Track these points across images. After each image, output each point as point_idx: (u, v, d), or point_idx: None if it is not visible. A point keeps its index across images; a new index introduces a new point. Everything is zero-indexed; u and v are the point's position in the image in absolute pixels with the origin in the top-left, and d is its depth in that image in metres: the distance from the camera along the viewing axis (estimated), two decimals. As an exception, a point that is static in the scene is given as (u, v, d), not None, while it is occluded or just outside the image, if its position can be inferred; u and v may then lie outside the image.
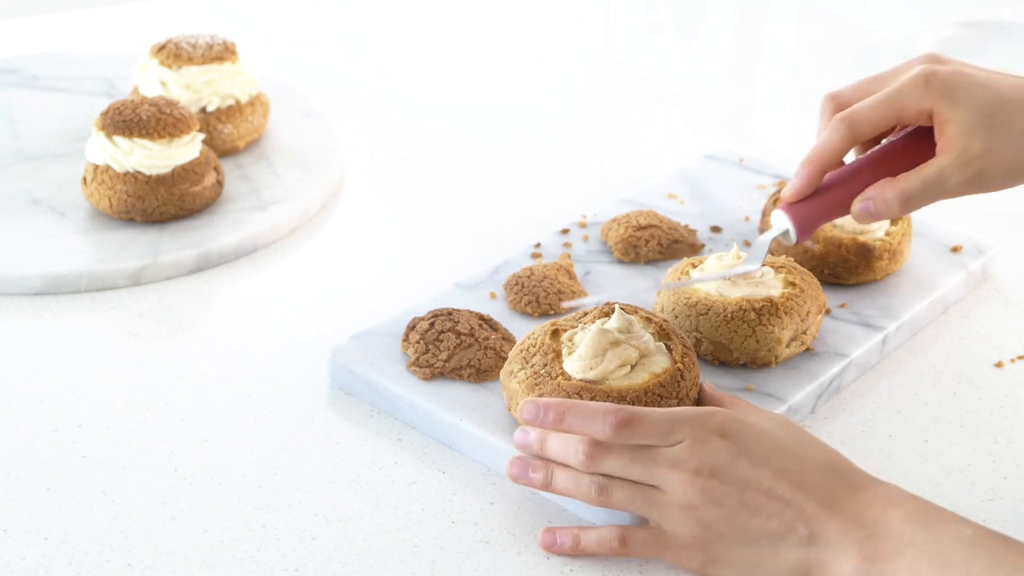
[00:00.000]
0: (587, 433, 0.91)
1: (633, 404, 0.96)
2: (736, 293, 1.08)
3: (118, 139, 1.26)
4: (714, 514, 0.88)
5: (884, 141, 1.01)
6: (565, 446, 0.92)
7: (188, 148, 1.27)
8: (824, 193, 0.99)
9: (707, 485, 0.88)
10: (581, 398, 0.95)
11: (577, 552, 0.92)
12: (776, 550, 0.87)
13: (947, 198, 0.97)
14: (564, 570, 0.91)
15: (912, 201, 0.96)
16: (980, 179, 0.96)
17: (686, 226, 1.26)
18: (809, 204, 0.99)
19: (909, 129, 1.00)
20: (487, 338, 1.07)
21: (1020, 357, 1.14)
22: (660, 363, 0.98)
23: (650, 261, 1.21)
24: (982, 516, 0.96)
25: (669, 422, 0.90)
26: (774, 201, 1.22)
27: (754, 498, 0.87)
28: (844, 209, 0.99)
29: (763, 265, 1.06)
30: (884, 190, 0.97)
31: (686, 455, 0.89)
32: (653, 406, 0.96)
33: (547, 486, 0.93)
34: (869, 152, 1.01)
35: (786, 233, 1.00)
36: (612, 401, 0.95)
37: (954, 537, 0.84)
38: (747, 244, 1.25)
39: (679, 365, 0.99)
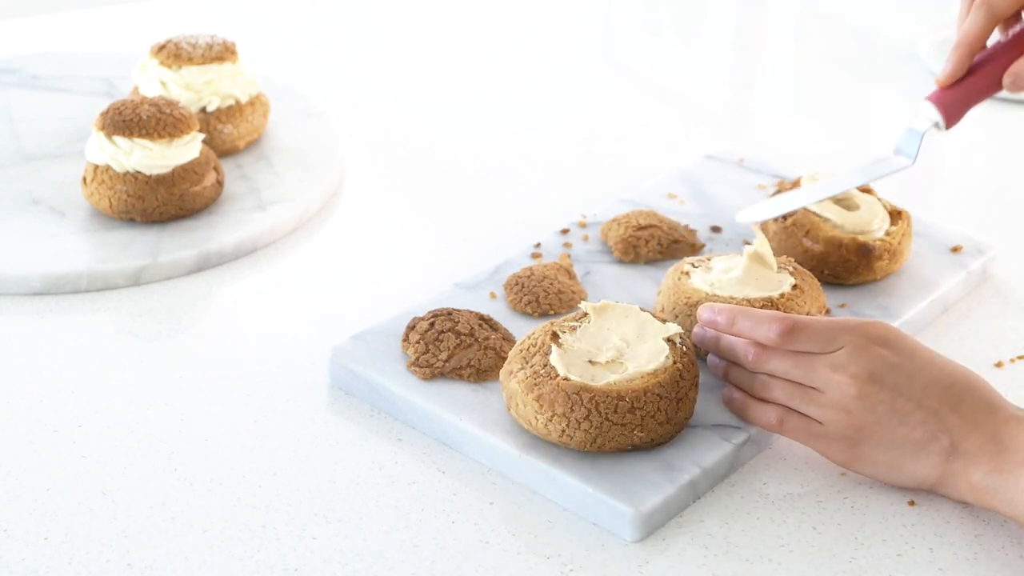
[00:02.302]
0: (756, 338, 0.99)
1: (632, 404, 0.96)
2: (742, 292, 1.08)
3: (118, 139, 1.26)
4: (867, 417, 0.95)
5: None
6: (735, 346, 1.01)
7: (188, 148, 1.27)
8: (967, 78, 1.04)
9: (864, 389, 0.95)
10: (580, 398, 0.96)
11: (743, 413, 1.00)
12: (916, 457, 0.95)
13: None
14: (564, 570, 0.91)
15: None
16: None
17: (686, 226, 1.26)
18: (953, 91, 1.04)
19: None
20: (487, 338, 1.07)
21: (1020, 357, 1.14)
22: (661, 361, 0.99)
23: (650, 261, 1.21)
24: (982, 516, 0.96)
25: (831, 331, 0.97)
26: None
27: (905, 406, 0.95)
28: (987, 90, 1.04)
29: (912, 159, 1.09)
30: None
31: (845, 360, 0.96)
32: (652, 406, 0.96)
33: (725, 376, 1.02)
34: (1010, 32, 1.05)
35: (936, 123, 1.05)
36: (611, 400, 0.96)
37: None
38: (746, 243, 1.25)
39: (679, 365, 0.99)
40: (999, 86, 1.04)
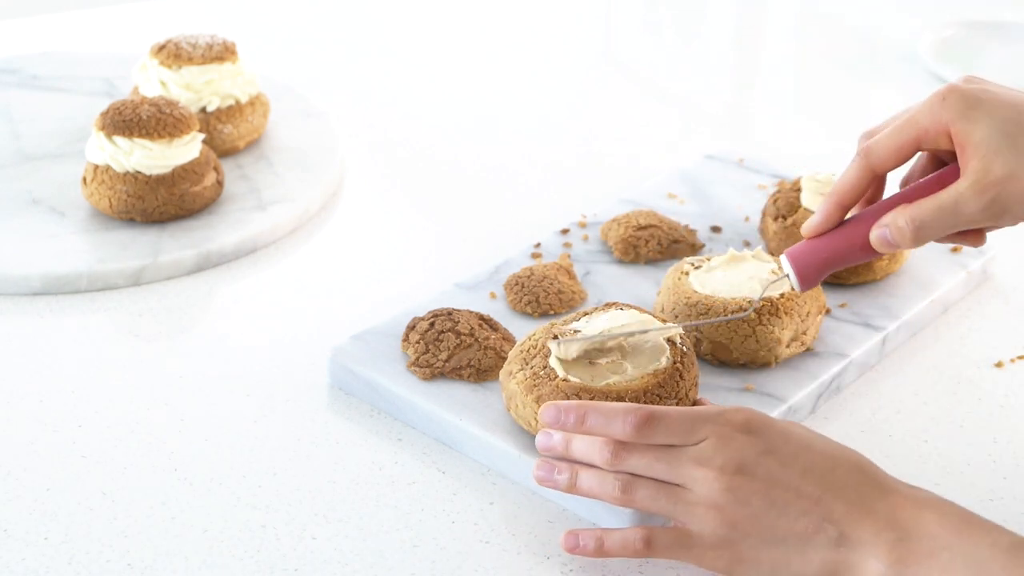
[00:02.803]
0: (608, 434, 0.89)
1: (632, 403, 0.96)
2: (741, 292, 1.08)
3: (118, 139, 1.26)
4: (740, 513, 0.86)
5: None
6: (590, 446, 0.90)
7: (188, 148, 1.27)
8: (830, 234, 0.94)
9: (733, 483, 0.86)
10: (580, 399, 0.95)
11: (600, 554, 0.90)
12: (803, 550, 0.85)
13: (964, 228, 0.90)
14: (564, 570, 0.91)
15: (924, 229, 0.90)
16: (1000, 208, 0.88)
17: (686, 226, 1.26)
18: (812, 245, 0.94)
19: (935, 168, 0.95)
20: (487, 338, 1.07)
21: (1020, 357, 1.14)
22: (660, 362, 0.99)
23: (650, 261, 1.21)
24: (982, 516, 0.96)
25: (691, 421, 0.88)
26: (774, 201, 1.22)
27: (782, 496, 0.85)
28: (850, 253, 0.94)
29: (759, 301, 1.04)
30: (897, 216, 0.91)
31: (711, 452, 0.87)
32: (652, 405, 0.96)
33: (572, 487, 0.92)
34: (897, 192, 0.95)
35: (787, 276, 0.96)
36: (611, 399, 0.95)
37: (991, 543, 0.81)
38: (746, 244, 1.25)
39: (678, 365, 0.99)
40: (868, 249, 0.93)
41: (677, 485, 0.88)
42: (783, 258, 0.96)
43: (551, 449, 0.93)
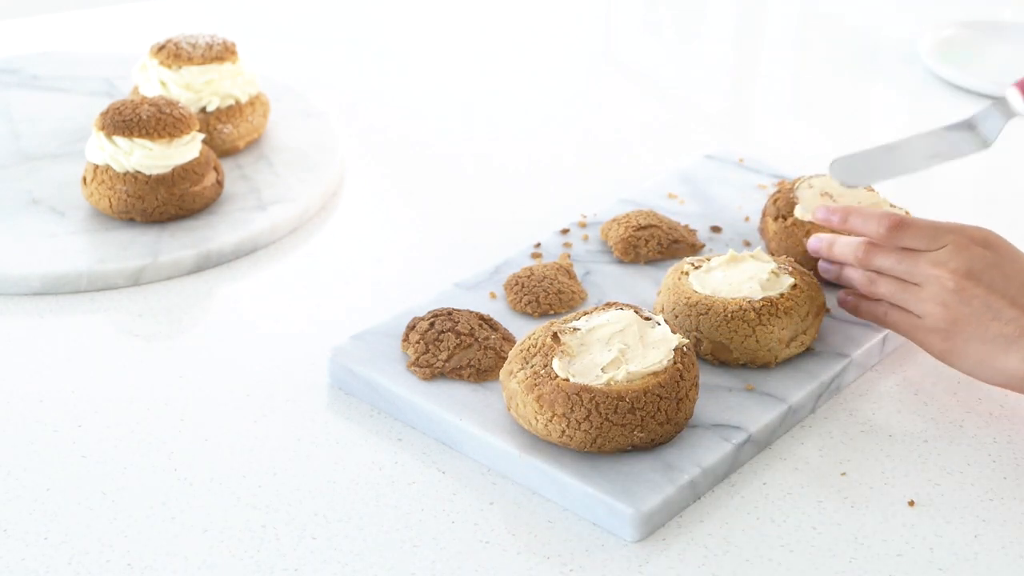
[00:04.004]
0: (866, 232, 1.07)
1: (632, 404, 0.96)
2: (740, 291, 1.08)
3: (118, 139, 1.26)
4: (962, 311, 1.02)
5: None
6: (847, 246, 1.10)
7: (188, 148, 1.27)
8: None
9: (961, 284, 1.02)
10: (580, 399, 0.96)
11: (854, 304, 1.10)
12: (1007, 351, 1.01)
13: None
14: (564, 570, 0.91)
15: None
16: None
17: (686, 226, 1.26)
18: None
19: None
20: (487, 338, 1.07)
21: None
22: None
23: (650, 261, 1.21)
24: (982, 516, 0.96)
25: (936, 230, 1.04)
26: (774, 201, 1.22)
27: (998, 303, 1.01)
28: None
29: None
30: None
31: (946, 257, 1.03)
32: (652, 407, 0.96)
33: (837, 278, 1.13)
34: None
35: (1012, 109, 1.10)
36: (611, 399, 0.96)
37: None
38: (746, 244, 1.25)
39: (679, 365, 0.99)
40: None
41: (914, 284, 1.05)
42: (1013, 90, 1.10)
43: (817, 251, 1.12)
